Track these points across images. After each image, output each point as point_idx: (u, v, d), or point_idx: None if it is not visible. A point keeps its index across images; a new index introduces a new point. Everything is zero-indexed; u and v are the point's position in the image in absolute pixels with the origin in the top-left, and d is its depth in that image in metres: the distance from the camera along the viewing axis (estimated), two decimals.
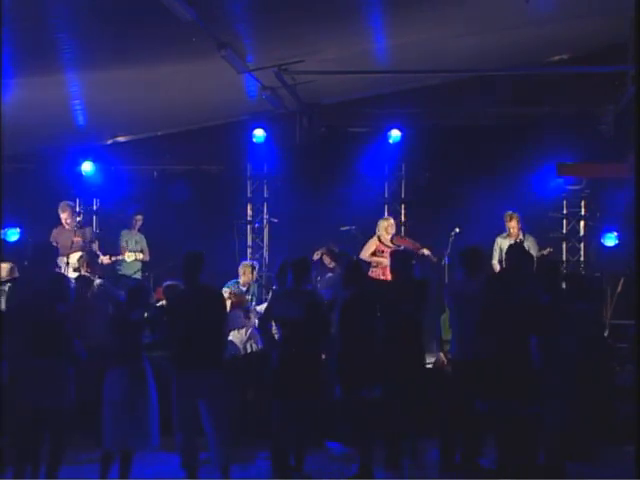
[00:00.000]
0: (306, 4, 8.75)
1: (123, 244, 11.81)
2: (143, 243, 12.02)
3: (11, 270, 9.31)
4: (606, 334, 10.70)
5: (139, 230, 12.10)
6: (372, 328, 7.38)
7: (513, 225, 11.29)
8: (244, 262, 11.17)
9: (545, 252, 11.35)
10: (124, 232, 11.96)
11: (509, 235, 11.31)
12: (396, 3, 9.40)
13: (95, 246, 11.50)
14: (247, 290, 10.75)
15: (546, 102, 12.50)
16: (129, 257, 11.55)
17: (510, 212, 11.34)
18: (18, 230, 11.37)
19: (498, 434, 7.09)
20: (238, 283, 10.77)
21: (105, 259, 11.33)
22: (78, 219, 11.38)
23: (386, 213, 13.13)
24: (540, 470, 7.06)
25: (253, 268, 10.98)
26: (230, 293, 10.08)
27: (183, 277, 7.27)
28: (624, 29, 10.05)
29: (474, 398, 7.07)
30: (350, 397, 7.19)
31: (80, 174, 12.56)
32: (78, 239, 10.99)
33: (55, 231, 11.21)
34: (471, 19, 10.05)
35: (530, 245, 11.24)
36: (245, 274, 10.85)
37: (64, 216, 11.23)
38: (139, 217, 12.09)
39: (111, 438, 6.75)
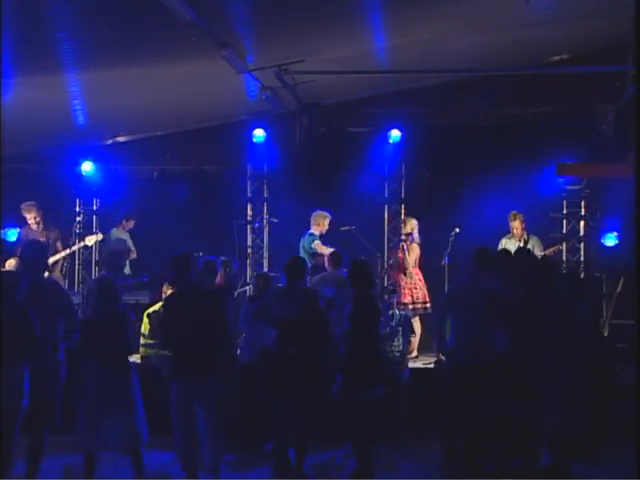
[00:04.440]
0: (306, 4, 8.74)
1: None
2: (130, 242, 12.00)
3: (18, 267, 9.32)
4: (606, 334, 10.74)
5: (128, 231, 12.06)
6: (376, 328, 7.39)
7: (517, 225, 11.34)
8: (318, 212, 11.07)
9: (552, 250, 11.40)
10: (113, 230, 11.92)
11: (513, 236, 11.35)
12: (396, 3, 9.39)
13: (59, 245, 11.32)
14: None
15: (546, 102, 12.50)
16: (89, 241, 11.44)
17: (514, 212, 11.43)
18: (18, 230, 11.35)
19: (498, 435, 7.09)
20: (313, 235, 10.80)
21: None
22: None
23: (386, 213, 13.15)
24: (545, 471, 7.06)
25: (326, 217, 10.95)
26: None
27: (176, 280, 7.24)
28: (624, 29, 10.04)
29: (475, 399, 7.06)
30: (356, 397, 7.17)
31: (80, 174, 12.54)
32: (43, 239, 10.95)
33: (22, 232, 11.12)
34: (471, 19, 10.04)
35: (534, 245, 11.30)
36: (320, 225, 10.85)
37: (30, 216, 11.05)
38: (132, 222, 11.99)
39: (89, 438, 6.71)
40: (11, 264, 9.36)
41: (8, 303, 6.57)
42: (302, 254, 10.63)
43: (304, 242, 10.88)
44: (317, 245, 10.77)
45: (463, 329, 7.32)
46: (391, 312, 9.17)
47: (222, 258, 9.73)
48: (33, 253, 7.25)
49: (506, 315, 7.17)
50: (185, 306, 7.00)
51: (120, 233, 11.91)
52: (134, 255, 11.78)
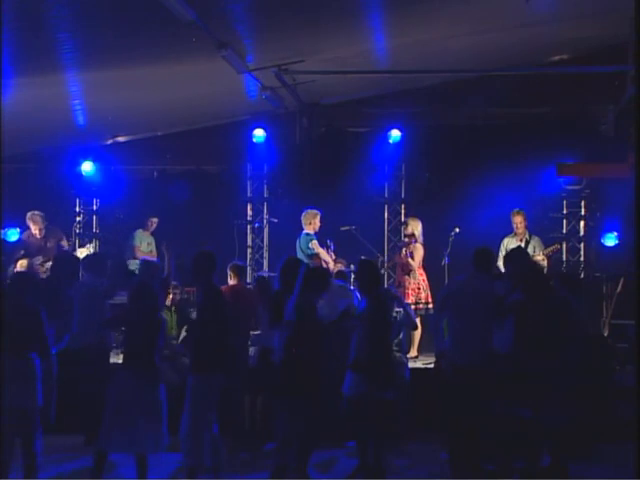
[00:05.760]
0: (306, 4, 8.75)
1: (137, 243, 11.88)
2: (153, 245, 12.07)
3: (29, 267, 9.36)
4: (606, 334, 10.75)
5: (152, 233, 12.13)
6: (389, 329, 7.38)
7: (519, 220, 11.30)
8: (307, 210, 10.97)
9: (551, 249, 11.41)
10: (138, 232, 12.02)
11: (515, 234, 11.34)
12: (396, 3, 9.40)
13: (64, 243, 11.45)
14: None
15: (546, 102, 12.51)
16: (81, 253, 11.49)
17: (517, 209, 11.41)
18: (18, 230, 11.37)
19: (498, 435, 7.09)
20: (309, 235, 10.76)
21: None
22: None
23: (386, 213, 13.16)
24: (544, 471, 7.06)
25: (316, 215, 10.90)
26: None
27: (201, 278, 7.18)
28: (624, 29, 10.05)
29: (473, 400, 7.06)
30: (368, 396, 7.16)
31: (80, 174, 12.57)
32: (51, 245, 11.08)
33: (26, 234, 11.27)
34: (471, 19, 10.06)
35: (535, 245, 11.29)
36: (312, 223, 10.81)
37: (35, 227, 11.18)
38: (155, 220, 12.12)
39: (111, 440, 6.69)
40: (23, 265, 9.39)
41: (20, 303, 6.64)
42: (299, 255, 10.58)
43: (301, 243, 10.84)
44: (314, 245, 10.76)
45: (460, 330, 7.31)
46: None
47: (241, 263, 9.70)
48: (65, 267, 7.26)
49: (503, 316, 7.16)
50: (213, 304, 6.99)
51: (145, 236, 11.97)
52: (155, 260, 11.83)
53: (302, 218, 10.95)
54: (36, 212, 11.24)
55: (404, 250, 11.09)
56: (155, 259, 11.40)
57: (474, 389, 7.04)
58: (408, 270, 11.02)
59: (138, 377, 6.66)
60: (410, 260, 10.97)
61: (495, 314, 7.18)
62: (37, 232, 11.16)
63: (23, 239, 11.16)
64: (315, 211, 10.97)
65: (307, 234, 10.83)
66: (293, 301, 6.99)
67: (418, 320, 10.68)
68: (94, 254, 11.15)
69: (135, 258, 11.56)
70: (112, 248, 12.64)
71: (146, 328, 6.73)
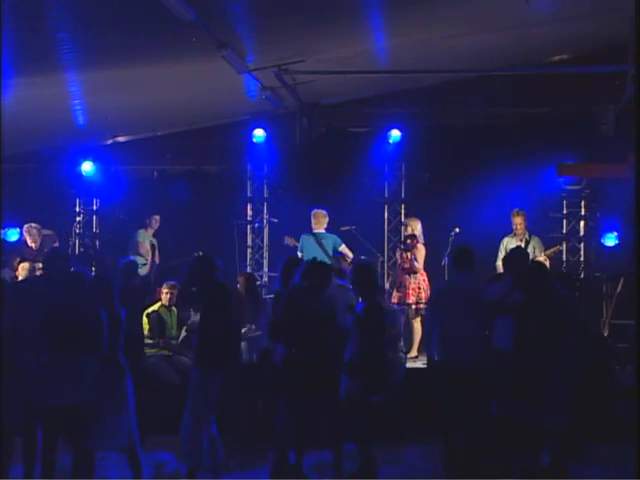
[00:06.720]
0: (306, 4, 8.75)
1: (140, 240, 11.85)
2: (156, 245, 12.06)
3: (31, 270, 9.36)
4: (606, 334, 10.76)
5: (154, 233, 12.11)
6: (383, 332, 7.37)
7: (519, 221, 11.31)
8: (316, 210, 10.98)
9: (552, 251, 11.41)
10: (141, 231, 12.00)
11: (515, 235, 11.35)
12: (396, 3, 9.41)
13: (56, 244, 11.42)
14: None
15: (546, 102, 12.52)
16: None
17: (517, 209, 11.41)
18: (18, 230, 11.37)
19: (502, 436, 7.09)
20: (332, 236, 10.76)
21: None
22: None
23: (386, 213, 13.15)
24: (544, 471, 7.06)
25: (324, 215, 10.91)
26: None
27: (203, 280, 7.14)
28: (624, 29, 10.06)
29: (465, 400, 7.06)
30: (363, 399, 7.16)
31: (80, 174, 12.56)
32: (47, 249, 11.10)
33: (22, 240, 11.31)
34: (471, 19, 10.06)
35: (535, 246, 11.29)
36: (320, 223, 10.81)
37: (31, 239, 11.13)
38: (157, 217, 12.09)
39: (92, 438, 6.65)
40: (25, 267, 9.39)
41: (77, 302, 6.66)
42: (316, 254, 9.84)
43: (326, 242, 10.68)
44: (345, 249, 10.72)
45: (451, 330, 7.31)
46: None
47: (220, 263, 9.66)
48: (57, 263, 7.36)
49: (487, 315, 7.17)
50: (219, 303, 7.00)
51: (147, 235, 11.96)
52: (157, 260, 11.83)
53: (316, 217, 10.89)
54: (33, 225, 11.19)
55: (409, 254, 11.03)
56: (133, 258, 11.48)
57: (473, 389, 7.04)
58: (412, 271, 10.99)
59: (103, 374, 6.66)
60: (415, 263, 10.95)
61: (490, 313, 7.18)
62: (33, 245, 11.14)
63: (21, 241, 11.16)
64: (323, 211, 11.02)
65: (327, 235, 10.77)
66: (286, 293, 7.00)
67: (418, 320, 10.72)
68: (80, 252, 11.13)
69: (140, 255, 11.57)
70: (111, 249, 12.64)
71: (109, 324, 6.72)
